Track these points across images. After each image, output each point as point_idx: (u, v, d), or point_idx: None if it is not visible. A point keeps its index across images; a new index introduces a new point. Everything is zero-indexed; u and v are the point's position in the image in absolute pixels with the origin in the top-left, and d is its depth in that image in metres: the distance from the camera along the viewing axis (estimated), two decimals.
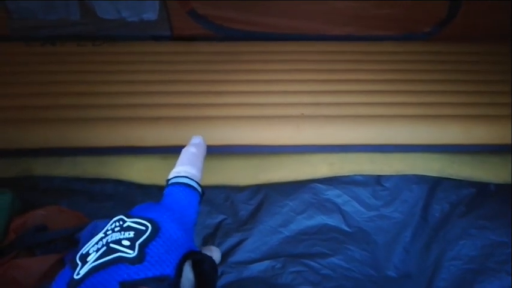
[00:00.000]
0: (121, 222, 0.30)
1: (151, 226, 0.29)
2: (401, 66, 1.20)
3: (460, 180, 1.03)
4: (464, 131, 1.04)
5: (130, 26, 1.26)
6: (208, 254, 0.35)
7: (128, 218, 0.30)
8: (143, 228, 0.29)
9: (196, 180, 0.38)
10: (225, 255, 0.91)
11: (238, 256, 0.90)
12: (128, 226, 0.29)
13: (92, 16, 1.23)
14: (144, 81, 1.12)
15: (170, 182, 0.37)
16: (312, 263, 0.89)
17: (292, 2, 1.22)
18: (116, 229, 0.29)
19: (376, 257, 0.92)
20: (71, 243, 0.66)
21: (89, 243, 0.29)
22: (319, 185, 1.00)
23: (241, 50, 1.24)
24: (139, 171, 1.02)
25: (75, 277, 0.26)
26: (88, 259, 0.27)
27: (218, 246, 0.93)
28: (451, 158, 1.06)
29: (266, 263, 0.89)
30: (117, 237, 0.28)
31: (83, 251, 0.28)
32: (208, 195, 1.00)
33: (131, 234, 0.28)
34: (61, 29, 1.24)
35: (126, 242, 0.28)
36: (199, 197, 0.38)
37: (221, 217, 0.97)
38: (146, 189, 0.99)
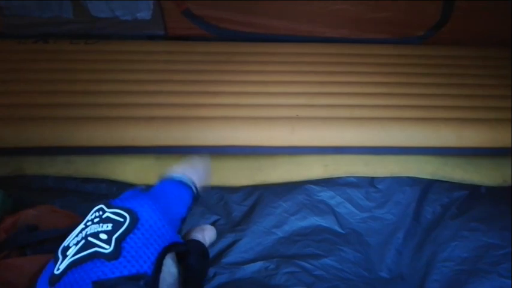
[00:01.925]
0: (101, 213, 0.29)
1: (130, 217, 0.28)
2: (395, 69, 1.21)
3: (452, 183, 1.04)
4: (457, 134, 1.05)
5: (123, 24, 1.25)
6: (200, 234, 0.34)
7: (108, 207, 0.30)
8: (121, 219, 0.28)
9: (193, 182, 0.38)
10: (218, 256, 0.91)
11: (232, 257, 0.90)
12: (107, 217, 0.28)
13: (85, 14, 1.22)
14: (138, 80, 1.11)
15: (164, 177, 0.37)
16: (305, 264, 0.89)
17: (288, 4, 1.23)
18: (96, 220, 0.28)
19: (369, 258, 0.93)
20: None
21: (71, 235, 0.28)
22: (312, 186, 1.00)
23: (236, 51, 1.24)
24: (132, 171, 1.02)
25: (56, 272, 0.26)
26: (68, 253, 0.27)
27: (211, 247, 0.92)
28: (444, 161, 1.07)
29: (259, 264, 0.89)
30: (95, 230, 0.27)
31: (65, 243, 0.28)
32: (201, 195, 1.00)
33: (109, 226, 0.28)
34: (54, 27, 1.23)
35: (103, 236, 0.27)
36: (192, 194, 0.37)
37: (214, 218, 0.97)
38: None
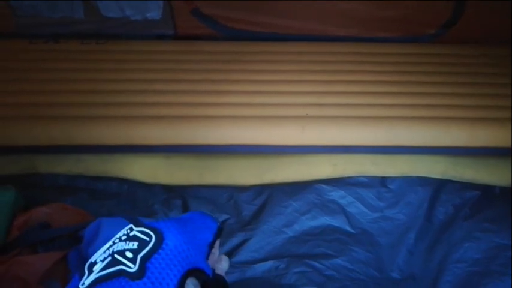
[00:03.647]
0: (129, 231, 0.30)
1: (155, 236, 0.29)
2: (405, 68, 1.20)
3: (464, 183, 1.03)
4: (468, 134, 1.04)
5: (134, 24, 1.25)
6: (219, 265, 0.35)
7: (136, 226, 0.30)
8: (147, 238, 0.29)
9: (218, 220, 0.39)
10: (228, 255, 0.89)
11: (242, 256, 0.90)
12: (134, 236, 0.29)
13: (95, 14, 1.22)
14: (148, 79, 1.11)
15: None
16: (315, 263, 0.89)
17: (296, 3, 1.22)
18: (123, 238, 0.29)
19: (380, 258, 0.92)
20: (74, 241, 0.66)
21: (99, 251, 0.29)
22: (323, 185, 1.00)
23: (245, 50, 1.24)
24: (142, 169, 1.02)
25: (81, 287, 0.27)
26: (94, 268, 0.27)
27: (221, 246, 0.92)
28: (455, 161, 1.06)
29: (270, 263, 0.89)
30: (122, 248, 0.28)
31: (92, 259, 0.28)
32: (211, 194, 1.00)
33: (135, 245, 0.28)
34: (65, 27, 1.23)
35: (129, 254, 0.28)
36: (217, 225, 0.38)
37: (224, 217, 0.97)
38: (149, 188, 0.99)
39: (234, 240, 0.92)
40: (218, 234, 0.37)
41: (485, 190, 1.01)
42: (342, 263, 0.89)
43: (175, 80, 1.12)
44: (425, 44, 1.31)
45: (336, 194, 0.99)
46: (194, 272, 0.30)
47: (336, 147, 1.04)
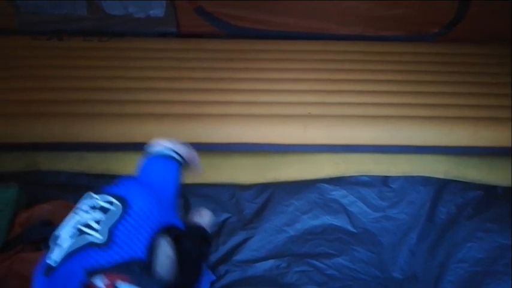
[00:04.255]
0: (91, 202, 0.29)
1: (121, 204, 0.29)
2: (409, 67, 1.19)
3: (466, 183, 1.02)
4: (471, 133, 1.03)
5: (137, 22, 1.25)
6: (199, 219, 0.35)
7: (97, 194, 0.30)
8: (112, 207, 0.28)
9: (177, 151, 0.37)
10: (229, 254, 0.91)
11: (243, 255, 0.90)
12: (98, 205, 0.29)
13: (98, 12, 1.22)
14: (150, 77, 1.11)
15: (147, 153, 0.37)
16: (317, 263, 0.89)
17: (300, 2, 1.22)
18: (86, 208, 0.29)
19: (382, 258, 0.92)
20: None
21: (62, 223, 0.29)
22: (325, 185, 0.99)
23: (248, 48, 1.24)
24: None
25: (48, 262, 0.27)
26: (59, 242, 0.27)
27: (223, 244, 0.92)
28: (458, 160, 1.05)
29: (271, 262, 0.89)
30: (87, 219, 0.28)
31: (56, 232, 0.28)
32: (213, 193, 1.00)
33: (99, 214, 0.28)
34: (68, 24, 1.23)
35: (94, 225, 0.28)
36: (177, 165, 0.37)
37: (226, 215, 0.96)
38: None
39: (236, 239, 0.92)
40: (182, 170, 0.37)
41: (488, 190, 1.00)
42: (343, 263, 0.89)
43: (178, 78, 1.12)
44: (428, 43, 1.30)
45: (338, 193, 0.98)
46: (164, 231, 0.30)
47: (338, 146, 1.04)
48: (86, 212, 0.29)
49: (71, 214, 0.29)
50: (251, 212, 0.97)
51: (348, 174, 1.03)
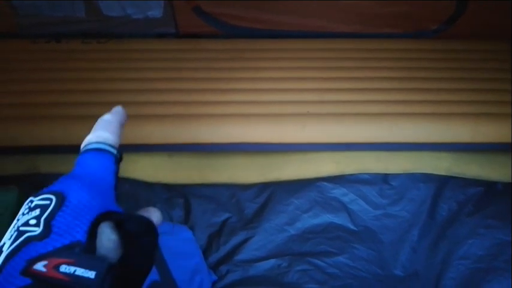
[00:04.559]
0: (30, 204, 0.29)
1: (56, 197, 0.28)
2: (408, 64, 1.19)
3: (467, 179, 1.02)
4: (472, 130, 1.03)
5: (135, 23, 1.25)
6: (146, 215, 0.34)
7: (35, 197, 0.30)
8: (48, 202, 0.28)
9: (109, 143, 0.36)
10: (230, 254, 0.91)
11: (244, 254, 0.90)
12: (35, 205, 0.28)
13: (97, 13, 1.22)
14: (149, 78, 1.11)
15: (81, 151, 0.36)
16: (318, 261, 0.89)
17: (299, 0, 1.21)
18: (25, 211, 0.28)
19: (383, 256, 0.92)
20: None
21: (6, 234, 0.28)
22: (325, 183, 1.00)
23: (246, 48, 1.23)
24: (144, 168, 1.02)
25: None
26: (3, 249, 0.26)
27: (224, 244, 0.93)
28: (459, 157, 1.05)
29: (272, 261, 0.89)
30: (25, 219, 0.27)
31: (1, 243, 0.28)
32: (213, 193, 1.01)
33: (37, 212, 0.27)
34: (66, 26, 1.23)
35: (32, 221, 0.27)
36: (113, 158, 0.36)
37: (226, 215, 0.97)
38: (151, 187, 0.99)
39: (236, 239, 0.92)
40: (117, 168, 0.36)
41: (489, 186, 1.00)
42: (344, 261, 0.89)
43: (177, 79, 1.12)
44: (428, 39, 1.29)
45: (338, 192, 0.98)
46: (105, 216, 0.29)
47: (338, 145, 1.03)
48: (24, 214, 0.29)
49: (14, 221, 0.29)
50: (251, 211, 0.97)
51: (348, 172, 1.03)
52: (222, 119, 1.01)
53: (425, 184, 1.00)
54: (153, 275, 0.79)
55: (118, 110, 0.40)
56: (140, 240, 0.30)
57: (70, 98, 1.04)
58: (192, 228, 0.93)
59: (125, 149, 1.03)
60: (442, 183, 1.00)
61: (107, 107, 1.08)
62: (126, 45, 1.23)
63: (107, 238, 0.28)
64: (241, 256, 0.90)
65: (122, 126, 0.38)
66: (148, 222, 0.32)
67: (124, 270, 0.27)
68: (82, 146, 0.36)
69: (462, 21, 1.25)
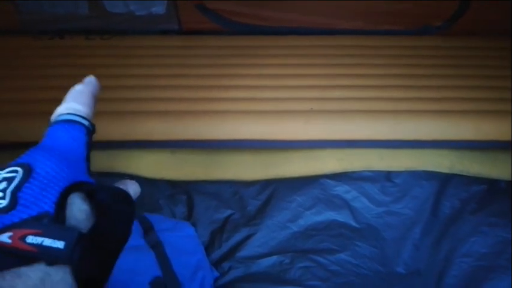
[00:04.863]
0: None
1: (22, 169, 0.27)
2: (411, 61, 1.19)
3: (470, 177, 1.02)
4: (475, 127, 1.02)
5: (138, 20, 1.25)
6: (123, 187, 0.33)
7: (2, 170, 0.29)
8: (15, 174, 0.27)
9: (80, 114, 0.35)
10: (232, 250, 0.91)
11: (247, 251, 0.90)
12: (2, 178, 0.27)
13: (100, 10, 1.22)
14: (152, 75, 1.12)
15: (50, 123, 0.35)
16: (320, 258, 0.89)
17: None
18: None
19: (385, 253, 0.92)
20: None
21: None
22: (328, 180, 1.00)
23: (249, 44, 1.23)
24: (147, 165, 1.03)
25: None
26: None
27: (226, 241, 0.93)
28: (461, 155, 1.05)
29: (274, 258, 0.89)
30: None
31: None
32: (216, 189, 1.01)
33: (4, 184, 0.26)
34: (69, 23, 1.23)
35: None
36: (85, 130, 0.34)
37: (229, 212, 0.97)
38: (155, 183, 0.99)
39: (239, 235, 0.93)
40: (89, 140, 0.35)
41: (492, 184, 1.00)
42: (346, 258, 0.89)
43: (180, 75, 1.12)
44: (431, 36, 1.29)
45: (341, 189, 0.98)
46: (76, 187, 0.28)
47: (341, 142, 1.03)
48: None
49: None
50: (254, 208, 0.97)
51: (351, 170, 1.03)
52: (224, 116, 1.01)
53: (428, 182, 1.00)
54: (156, 270, 0.80)
55: (91, 80, 0.38)
56: (112, 211, 0.29)
57: None
58: (194, 225, 0.94)
59: (128, 145, 1.04)
60: (444, 181, 1.00)
61: (111, 103, 1.09)
62: (129, 42, 1.24)
63: (78, 209, 0.27)
64: (243, 253, 0.90)
65: (95, 97, 0.37)
66: (123, 193, 0.31)
67: (95, 240, 0.26)
68: (52, 117, 0.34)
69: (465, 18, 1.24)
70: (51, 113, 1.03)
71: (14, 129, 0.98)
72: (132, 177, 1.00)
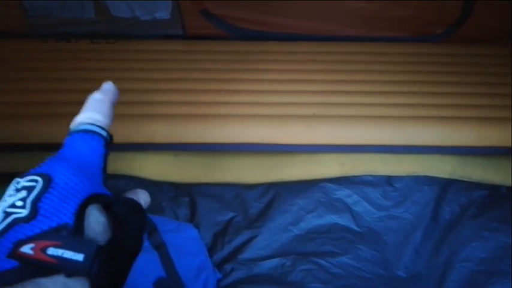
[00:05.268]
0: (16, 185, 0.28)
1: (42, 179, 0.27)
2: (413, 68, 1.20)
3: (471, 183, 1.02)
4: (477, 133, 1.03)
5: (143, 24, 1.27)
6: (134, 197, 0.33)
7: (21, 178, 0.28)
8: (35, 183, 0.27)
9: (100, 125, 0.35)
10: (235, 252, 0.92)
11: (249, 253, 0.91)
12: (22, 186, 0.27)
13: (105, 14, 1.24)
14: (156, 79, 1.13)
15: (70, 132, 0.35)
16: (321, 261, 0.89)
17: (305, 3, 1.23)
18: (12, 193, 0.27)
19: (386, 257, 0.92)
20: None
21: None
22: (329, 184, 1.00)
23: (253, 50, 1.25)
24: (150, 167, 1.03)
25: None
26: None
27: (228, 243, 0.93)
28: (463, 160, 1.06)
29: (276, 260, 0.90)
30: (12, 201, 0.27)
31: None
32: (218, 192, 1.02)
33: (24, 193, 0.27)
34: (76, 27, 1.25)
35: (19, 203, 0.26)
36: (103, 141, 0.35)
37: (231, 214, 0.98)
38: (157, 185, 1.00)
39: (241, 238, 0.93)
40: (107, 152, 0.34)
41: (493, 190, 1.01)
42: (347, 261, 0.90)
43: (184, 79, 1.13)
44: (433, 43, 1.30)
45: (342, 193, 0.99)
46: (93, 198, 0.28)
47: (344, 147, 1.04)
48: (11, 195, 0.28)
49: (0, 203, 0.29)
50: (256, 211, 0.98)
51: (353, 174, 1.03)
52: (227, 120, 1.02)
53: (429, 187, 1.00)
54: (160, 271, 0.81)
55: (109, 87, 0.39)
56: (128, 222, 0.29)
57: (79, 97, 1.03)
58: (197, 227, 0.94)
59: (131, 148, 1.05)
60: (445, 186, 1.01)
61: (116, 105, 1.09)
62: (134, 46, 1.25)
63: (95, 220, 0.28)
64: (245, 255, 0.91)
65: (113, 105, 0.37)
66: (136, 204, 0.31)
67: (112, 252, 0.27)
68: (71, 125, 0.35)
69: (467, 25, 1.26)
70: (56, 115, 1.05)
71: (19, 131, 0.99)
72: (134, 178, 1.01)
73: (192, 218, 0.97)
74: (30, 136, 0.98)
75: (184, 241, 0.89)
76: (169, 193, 0.99)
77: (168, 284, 0.79)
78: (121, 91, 1.13)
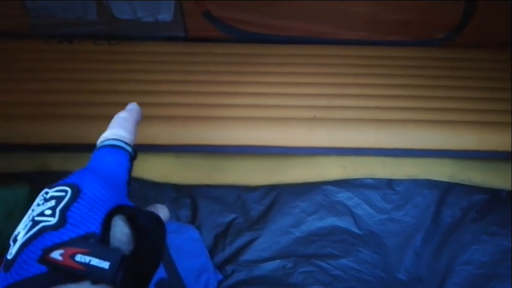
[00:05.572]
0: (45, 195, 0.29)
1: (71, 189, 0.28)
2: (414, 72, 1.20)
3: (471, 186, 1.03)
4: (477, 137, 1.04)
5: (145, 26, 1.27)
6: (154, 211, 0.34)
7: (50, 188, 0.29)
8: (63, 194, 0.28)
9: (125, 141, 0.37)
10: (236, 254, 0.92)
11: (250, 255, 0.91)
12: (51, 196, 0.28)
13: (108, 16, 1.24)
14: (158, 80, 1.13)
15: (97, 147, 0.37)
16: (322, 263, 0.90)
17: (306, 6, 1.23)
18: (40, 202, 0.28)
19: (387, 260, 0.93)
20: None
21: (21, 222, 0.28)
22: (330, 187, 1.01)
23: (255, 52, 1.25)
24: (152, 168, 1.04)
25: (8, 257, 0.26)
26: (18, 237, 0.27)
27: (229, 244, 0.94)
28: (463, 164, 1.06)
29: (277, 262, 0.90)
30: (41, 210, 0.28)
31: (15, 232, 0.28)
32: (220, 194, 1.02)
33: (53, 202, 0.28)
34: (78, 28, 1.26)
35: (48, 212, 0.27)
36: (128, 156, 0.36)
37: (232, 216, 0.98)
38: (159, 187, 1.00)
39: (242, 240, 0.93)
40: (131, 165, 0.36)
41: (493, 194, 1.01)
42: (348, 264, 0.90)
43: (186, 81, 1.14)
44: (434, 48, 1.31)
45: (343, 196, 0.99)
46: (118, 210, 0.29)
47: (345, 149, 1.04)
48: (39, 204, 0.29)
49: (28, 211, 0.30)
50: (257, 213, 0.98)
51: (353, 177, 1.04)
52: (229, 122, 1.03)
53: (429, 190, 1.01)
54: (161, 272, 0.81)
55: (134, 108, 0.41)
56: (151, 235, 0.30)
57: (81, 98, 1.06)
58: (198, 228, 0.95)
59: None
60: (446, 189, 1.01)
61: (117, 107, 1.10)
62: (136, 48, 1.25)
63: (120, 231, 0.29)
64: (246, 256, 0.91)
65: (137, 124, 0.39)
66: (157, 218, 0.33)
67: (136, 262, 0.28)
68: (98, 141, 0.36)
69: (468, 30, 1.26)
70: (57, 115, 1.05)
71: (20, 131, 0.99)
72: (137, 180, 1.01)
73: (194, 220, 0.97)
74: (31, 136, 0.98)
75: (186, 242, 0.89)
76: (170, 194, 0.99)
77: (170, 285, 0.79)
78: (122, 92, 1.14)
